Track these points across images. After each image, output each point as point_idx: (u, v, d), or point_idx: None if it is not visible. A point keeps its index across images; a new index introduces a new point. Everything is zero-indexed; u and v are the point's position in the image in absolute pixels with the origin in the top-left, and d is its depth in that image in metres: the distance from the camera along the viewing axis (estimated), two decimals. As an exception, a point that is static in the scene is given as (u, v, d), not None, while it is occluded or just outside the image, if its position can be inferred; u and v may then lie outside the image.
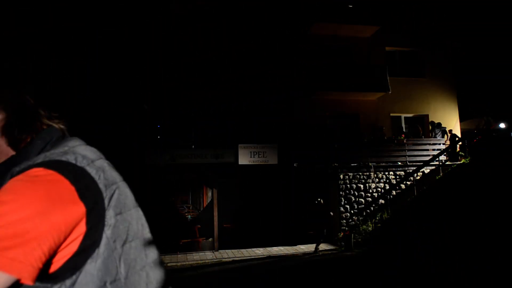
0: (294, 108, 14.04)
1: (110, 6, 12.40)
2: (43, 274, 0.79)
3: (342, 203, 12.29)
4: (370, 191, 12.57)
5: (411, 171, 12.74)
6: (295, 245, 11.84)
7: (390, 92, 14.13)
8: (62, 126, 1.00)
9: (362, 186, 12.52)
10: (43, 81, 10.18)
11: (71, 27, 11.68)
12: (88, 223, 0.82)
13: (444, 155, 13.08)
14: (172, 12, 13.37)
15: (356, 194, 12.45)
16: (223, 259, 10.31)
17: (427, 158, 12.77)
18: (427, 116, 15.35)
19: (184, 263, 9.96)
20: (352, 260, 9.67)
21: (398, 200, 12.23)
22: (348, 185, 12.45)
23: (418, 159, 13.14)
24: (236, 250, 11.50)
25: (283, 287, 7.42)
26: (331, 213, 11.66)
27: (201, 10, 13.57)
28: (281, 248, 11.63)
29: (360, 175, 12.56)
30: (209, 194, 12.76)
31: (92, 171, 0.88)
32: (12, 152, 0.91)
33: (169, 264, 9.83)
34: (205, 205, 13.00)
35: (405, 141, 13.49)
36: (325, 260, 9.81)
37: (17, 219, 0.73)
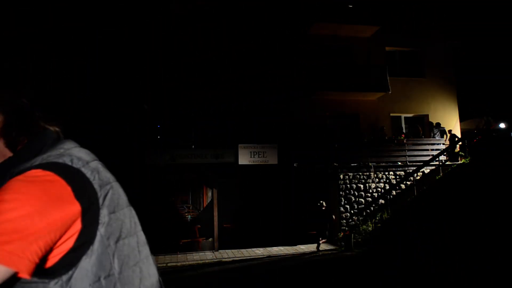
0: (294, 108, 14.04)
1: (110, 6, 12.40)
2: (41, 270, 0.82)
3: (342, 203, 12.29)
4: (370, 191, 12.57)
5: (411, 171, 12.74)
6: (295, 245, 11.84)
7: (390, 92, 14.13)
8: (57, 129, 1.03)
9: (362, 186, 12.53)
10: (41, 82, 10.18)
11: (70, 28, 11.68)
12: (83, 221, 0.86)
13: (444, 155, 13.08)
14: (172, 12, 13.37)
15: (356, 194, 12.45)
16: (223, 259, 10.31)
17: (427, 158, 12.77)
18: (427, 116, 15.35)
19: (184, 263, 9.96)
20: (352, 260, 9.67)
21: (398, 200, 12.23)
22: (348, 185, 12.45)
23: (418, 159, 13.14)
24: (236, 250, 11.50)
25: (283, 287, 7.42)
26: (333, 216, 11.70)
27: (201, 10, 13.57)
28: (281, 248, 11.63)
29: (360, 175, 12.56)
30: (209, 194, 12.76)
31: (87, 172, 0.92)
32: (9, 154, 0.94)
33: (169, 264, 9.83)
34: (205, 205, 13.00)
35: (405, 141, 13.49)
36: (325, 260, 9.81)
37: (16, 216, 0.77)
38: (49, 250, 0.82)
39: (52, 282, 0.84)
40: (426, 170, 12.83)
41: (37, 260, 0.78)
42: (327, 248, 11.43)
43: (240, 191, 12.95)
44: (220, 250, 11.45)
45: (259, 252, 11.16)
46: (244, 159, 11.83)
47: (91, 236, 0.88)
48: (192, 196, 13.08)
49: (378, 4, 14.60)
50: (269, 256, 10.52)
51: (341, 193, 12.34)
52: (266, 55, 14.15)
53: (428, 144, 13.73)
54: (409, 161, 13.15)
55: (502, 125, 12.95)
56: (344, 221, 12.10)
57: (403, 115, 15.36)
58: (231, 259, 10.28)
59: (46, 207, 0.81)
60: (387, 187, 12.61)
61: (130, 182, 11.04)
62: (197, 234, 11.77)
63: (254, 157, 11.92)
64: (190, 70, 13.30)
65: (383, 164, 12.91)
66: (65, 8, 11.58)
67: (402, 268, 8.25)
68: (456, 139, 13.84)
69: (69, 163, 0.90)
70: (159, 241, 11.27)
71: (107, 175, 0.99)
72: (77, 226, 0.85)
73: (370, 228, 11.48)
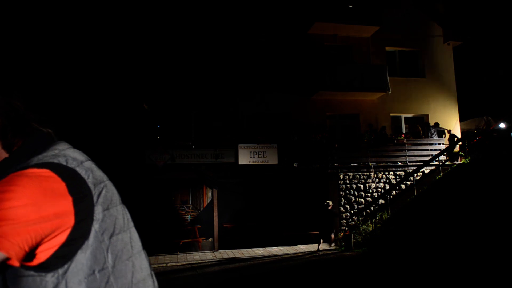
0: (294, 108, 14.05)
1: (109, 6, 12.41)
2: (37, 264, 0.87)
3: (342, 203, 12.30)
4: (370, 191, 12.57)
5: (411, 171, 12.74)
6: (295, 245, 11.84)
7: (390, 92, 14.13)
8: (50, 130, 1.06)
9: (362, 186, 12.53)
10: (37, 84, 10.18)
11: (70, 28, 11.68)
12: (76, 216, 0.90)
13: (444, 155, 13.08)
14: (172, 12, 13.37)
15: (356, 194, 12.46)
16: (223, 259, 10.31)
17: (427, 158, 12.77)
18: (427, 116, 15.35)
19: (184, 263, 9.96)
20: (352, 260, 9.66)
21: (398, 200, 12.23)
22: (348, 185, 12.45)
23: (418, 159, 13.14)
24: (236, 250, 11.50)
25: (283, 287, 7.42)
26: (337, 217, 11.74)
27: (201, 10, 13.58)
28: (281, 248, 11.63)
29: (360, 175, 12.57)
30: (209, 194, 12.76)
31: (81, 171, 0.96)
32: (5, 155, 0.98)
33: (169, 264, 9.83)
34: (205, 205, 13.00)
35: (405, 141, 13.49)
36: (325, 260, 9.81)
37: (11, 206, 0.81)
38: (42, 242, 0.86)
39: (49, 275, 0.88)
40: (426, 170, 12.83)
41: (27, 249, 0.82)
42: (327, 248, 11.43)
43: (240, 191, 12.95)
44: (220, 250, 11.45)
45: (259, 252, 11.16)
46: (244, 159, 11.83)
47: (85, 231, 0.92)
48: (192, 196, 13.08)
49: (378, 4, 14.60)
50: (269, 256, 10.52)
51: (341, 193, 12.34)
52: (266, 55, 14.16)
53: (428, 144, 13.73)
54: (409, 161, 13.16)
55: (502, 125, 12.93)
56: (344, 221, 12.10)
57: (403, 115, 15.36)
58: (231, 259, 10.28)
59: (40, 200, 0.85)
60: (387, 187, 12.61)
61: (130, 182, 11.05)
62: (197, 234, 11.77)
63: (254, 157, 11.92)
64: (190, 70, 13.30)
65: (383, 164, 12.91)
66: (63, 8, 11.58)
67: (402, 268, 8.25)
68: (456, 139, 13.84)
69: (64, 163, 0.94)
70: (159, 241, 11.27)
71: (100, 174, 1.03)
72: (70, 220, 0.89)
73: (370, 228, 11.48)
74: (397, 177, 12.82)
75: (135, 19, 12.84)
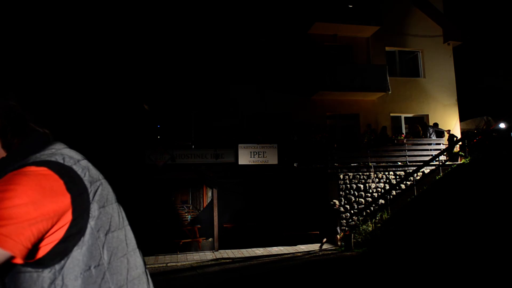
0: (294, 108, 14.05)
1: (110, 6, 12.41)
2: (35, 259, 0.89)
3: (342, 203, 12.30)
4: (370, 191, 12.57)
5: (411, 171, 12.74)
6: (295, 245, 11.84)
7: (390, 92, 14.13)
8: (46, 131, 1.09)
9: (362, 186, 12.53)
10: (38, 84, 10.18)
11: (70, 28, 11.68)
12: (74, 213, 0.93)
13: (444, 155, 13.08)
14: (172, 12, 13.37)
15: (356, 194, 12.46)
16: (223, 259, 10.31)
17: (427, 158, 12.77)
18: (427, 116, 15.35)
19: (184, 263, 9.96)
20: (352, 260, 9.67)
21: (398, 200, 12.23)
22: (348, 185, 12.45)
23: (418, 159, 13.14)
24: (236, 250, 11.50)
25: (283, 287, 7.42)
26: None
27: (201, 10, 13.57)
28: (281, 248, 11.63)
29: (360, 175, 12.57)
30: (209, 194, 12.76)
31: (78, 169, 0.98)
32: (4, 154, 1.01)
33: (169, 264, 9.83)
34: (205, 205, 13.00)
35: (405, 141, 13.49)
36: (325, 260, 9.81)
37: (12, 205, 0.83)
38: (42, 239, 0.88)
39: (46, 271, 0.90)
40: (426, 170, 12.83)
41: (30, 246, 0.84)
42: (327, 248, 11.43)
43: (240, 191, 12.95)
44: (220, 250, 11.45)
45: (259, 252, 11.16)
46: (244, 159, 11.83)
47: (82, 228, 0.94)
48: (192, 196, 13.08)
49: (378, 4, 14.60)
50: (269, 256, 10.52)
51: (341, 193, 12.34)
52: (266, 55, 14.16)
53: (427, 144, 13.73)
54: (409, 161, 13.16)
55: (502, 125, 12.93)
56: (344, 221, 12.10)
57: (403, 115, 15.36)
58: (231, 259, 10.28)
59: (40, 198, 0.87)
60: (387, 187, 12.61)
61: (130, 182, 11.05)
62: (197, 234, 11.76)
63: (254, 157, 11.92)
64: (190, 70, 13.30)
65: (383, 164, 12.91)
66: (63, 8, 11.58)
67: (402, 268, 8.25)
68: (455, 139, 13.83)
69: (61, 161, 0.96)
70: (159, 241, 11.27)
71: (96, 172, 1.05)
72: (68, 217, 0.92)
73: (370, 228, 11.48)
74: (397, 177, 12.82)
75: (135, 19, 12.84)
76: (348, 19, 14.26)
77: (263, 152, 12.01)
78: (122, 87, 12.36)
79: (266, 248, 11.67)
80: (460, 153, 13.31)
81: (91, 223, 0.96)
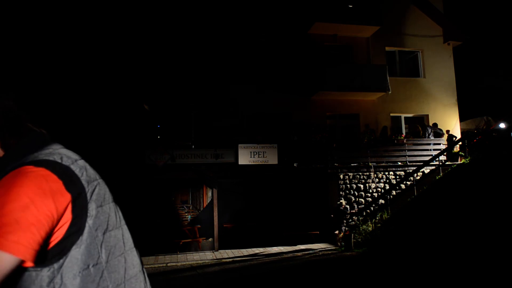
0: (294, 108, 14.05)
1: (110, 6, 12.41)
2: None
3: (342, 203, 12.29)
4: (370, 191, 12.57)
5: (411, 171, 12.74)
6: (295, 245, 11.84)
7: (390, 92, 14.13)
8: (43, 131, 1.10)
9: (362, 186, 12.53)
10: (38, 84, 10.19)
11: (71, 28, 11.68)
12: (73, 212, 0.94)
13: (444, 155, 13.08)
14: (172, 12, 13.36)
15: (356, 194, 12.46)
16: (223, 259, 10.31)
17: (427, 158, 12.77)
18: (427, 116, 15.35)
19: (184, 263, 9.96)
20: (352, 260, 9.67)
21: (398, 200, 12.23)
22: (348, 185, 12.45)
23: (418, 159, 13.14)
24: (236, 250, 11.50)
25: (283, 287, 7.42)
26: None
27: (201, 10, 13.57)
28: (281, 248, 11.63)
29: (360, 175, 12.57)
30: (209, 194, 12.76)
31: (75, 169, 0.99)
32: (1, 154, 1.02)
33: (169, 264, 9.83)
34: (205, 205, 13.00)
35: (405, 141, 13.49)
36: (325, 260, 9.81)
37: (17, 209, 0.84)
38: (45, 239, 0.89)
39: (45, 270, 0.90)
40: (426, 170, 12.83)
41: (38, 249, 0.86)
42: (327, 248, 11.43)
43: (240, 191, 12.95)
44: (220, 250, 11.45)
45: (259, 252, 11.16)
46: (244, 159, 11.83)
47: (80, 227, 0.95)
48: (192, 196, 13.08)
49: (378, 4, 14.60)
50: (269, 256, 10.52)
51: (341, 193, 12.34)
52: (266, 55, 14.16)
53: (426, 144, 13.73)
54: (409, 161, 13.16)
55: (502, 125, 12.93)
56: (344, 221, 12.09)
57: (403, 115, 15.36)
58: (231, 259, 10.28)
59: (42, 199, 0.88)
60: (387, 187, 12.61)
61: (131, 182, 11.05)
62: (197, 234, 11.76)
63: (254, 157, 11.92)
64: (190, 70, 13.30)
65: (383, 164, 12.91)
66: (63, 8, 11.58)
67: (402, 268, 8.25)
68: (454, 139, 13.82)
69: (59, 161, 0.97)
70: (159, 241, 11.28)
71: (93, 172, 1.06)
72: (68, 217, 0.93)
73: (370, 228, 11.48)
74: (397, 177, 12.82)
75: (135, 19, 12.83)
76: (348, 19, 14.26)
77: (263, 152, 12.01)
78: (122, 87, 12.36)
79: (266, 248, 11.67)
80: (460, 153, 13.31)
81: (89, 222, 0.97)
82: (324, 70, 13.86)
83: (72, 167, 0.98)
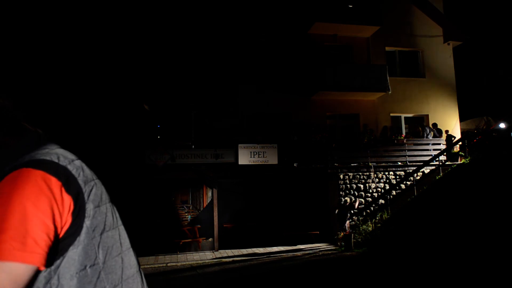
0: (294, 108, 14.05)
1: (110, 6, 12.41)
2: None
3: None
4: (370, 191, 12.57)
5: (411, 171, 12.74)
6: (295, 245, 11.85)
7: (390, 92, 14.13)
8: (39, 130, 1.09)
9: (362, 186, 12.53)
10: (38, 84, 10.19)
11: (71, 28, 11.68)
12: (73, 213, 0.94)
13: (444, 155, 13.09)
14: (172, 12, 13.36)
15: (356, 194, 12.46)
16: (223, 259, 10.31)
17: (427, 158, 12.77)
18: (427, 116, 15.35)
19: (184, 263, 9.96)
20: (352, 260, 9.67)
21: (398, 200, 12.23)
22: (348, 185, 12.45)
23: (418, 159, 13.14)
24: (236, 250, 11.50)
25: (283, 287, 7.42)
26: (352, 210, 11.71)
27: (202, 10, 13.57)
28: (281, 248, 11.64)
29: (360, 175, 12.56)
30: (209, 194, 12.76)
31: (72, 169, 0.98)
32: None
33: (169, 264, 9.83)
34: (205, 205, 13.00)
35: (405, 141, 13.49)
36: (325, 260, 9.81)
37: (23, 218, 0.84)
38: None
39: (42, 271, 0.90)
40: (426, 170, 12.84)
41: (48, 252, 0.87)
42: (327, 248, 11.43)
43: (240, 191, 12.95)
44: (220, 250, 11.45)
45: (259, 252, 11.16)
46: (244, 159, 11.83)
47: (78, 228, 0.95)
48: (192, 196, 13.08)
49: (378, 4, 14.60)
50: (269, 256, 10.52)
51: (341, 193, 12.34)
52: (266, 55, 14.16)
53: (425, 144, 13.73)
54: (409, 161, 13.16)
55: (502, 125, 12.93)
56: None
57: (403, 115, 15.36)
58: (231, 259, 10.28)
59: (46, 204, 0.88)
60: (387, 187, 12.61)
61: (130, 182, 11.04)
62: (197, 234, 11.76)
63: (254, 157, 11.92)
64: (190, 70, 13.30)
65: (383, 164, 12.91)
66: (63, 8, 11.59)
67: (402, 268, 8.25)
68: (453, 138, 13.82)
69: (56, 160, 0.96)
70: (159, 241, 11.27)
71: (90, 172, 1.05)
72: (68, 218, 0.93)
73: (370, 228, 11.48)
74: (397, 177, 12.82)
75: (135, 19, 12.83)
76: (348, 19, 14.26)
77: (263, 152, 12.01)
78: (122, 87, 12.36)
79: (266, 248, 11.67)
80: (460, 153, 13.31)
81: (87, 222, 0.97)
82: (324, 70, 13.86)
83: (69, 167, 0.97)
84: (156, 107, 12.96)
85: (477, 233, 8.47)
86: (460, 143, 13.60)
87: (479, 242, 8.19)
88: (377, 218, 11.83)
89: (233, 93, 13.60)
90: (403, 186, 12.67)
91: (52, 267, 0.91)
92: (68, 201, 0.93)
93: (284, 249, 11.41)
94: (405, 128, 15.27)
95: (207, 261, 10.15)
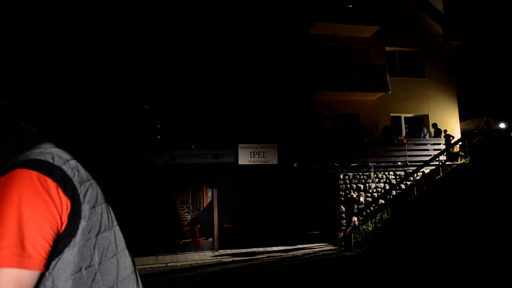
0: (294, 108, 14.05)
1: (110, 6, 12.41)
2: None
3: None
4: (370, 191, 12.57)
5: (411, 171, 12.74)
6: (295, 245, 11.85)
7: (390, 92, 14.13)
8: (34, 129, 1.08)
9: (362, 186, 12.53)
10: (37, 84, 10.18)
11: (71, 28, 11.69)
12: (69, 215, 0.93)
13: (444, 155, 13.09)
14: (173, 12, 13.36)
15: (356, 194, 12.44)
16: (223, 259, 10.32)
17: (427, 158, 12.77)
18: (427, 116, 15.35)
19: (184, 263, 9.96)
20: (352, 260, 9.67)
21: (398, 200, 12.23)
22: (348, 185, 12.45)
23: (418, 159, 13.14)
24: (236, 250, 11.50)
25: (283, 287, 7.42)
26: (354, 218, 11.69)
27: (202, 10, 13.57)
28: (281, 248, 11.64)
29: (360, 175, 12.56)
30: (209, 194, 12.76)
31: (67, 169, 0.97)
32: None
33: (169, 264, 9.83)
34: (205, 205, 13.00)
35: (405, 141, 13.49)
36: (325, 260, 9.81)
37: (22, 222, 0.83)
38: None
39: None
40: (426, 170, 12.83)
41: (48, 255, 0.87)
42: (327, 248, 11.43)
43: (240, 191, 12.95)
44: (220, 250, 11.45)
45: (259, 252, 11.16)
46: (244, 159, 11.83)
47: (74, 229, 0.94)
48: (192, 196, 13.08)
49: (378, 4, 14.60)
50: (269, 256, 10.52)
51: (341, 193, 12.34)
52: (266, 55, 14.16)
53: (428, 144, 13.73)
54: (409, 161, 13.16)
55: (502, 125, 12.93)
56: (344, 221, 12.10)
57: (403, 115, 15.36)
58: (231, 259, 10.28)
59: (44, 208, 0.87)
60: (387, 187, 12.61)
61: (130, 182, 11.04)
62: (197, 234, 11.76)
63: (254, 157, 11.92)
64: (190, 70, 13.30)
65: (383, 164, 12.91)
66: (63, 8, 11.59)
67: (402, 268, 8.25)
68: (451, 138, 13.81)
69: (51, 160, 0.95)
70: (159, 241, 11.27)
71: (85, 173, 1.04)
72: (64, 219, 0.92)
73: (370, 228, 11.48)
74: (397, 177, 12.81)
75: (135, 19, 12.83)
76: (348, 19, 14.26)
77: (263, 152, 12.01)
78: (122, 87, 12.36)
79: (266, 248, 11.67)
80: (460, 153, 13.31)
81: (83, 224, 0.95)
82: (324, 70, 13.86)
83: (64, 167, 0.96)
84: (156, 107, 12.96)
85: (477, 233, 8.47)
86: (460, 143, 13.59)
87: (479, 242, 8.19)
88: (377, 218, 11.83)
89: (233, 93, 13.60)
90: (403, 186, 12.67)
91: (48, 269, 0.89)
92: (65, 202, 0.91)
93: (284, 249, 11.41)
94: (405, 128, 15.27)
95: (207, 261, 10.15)
